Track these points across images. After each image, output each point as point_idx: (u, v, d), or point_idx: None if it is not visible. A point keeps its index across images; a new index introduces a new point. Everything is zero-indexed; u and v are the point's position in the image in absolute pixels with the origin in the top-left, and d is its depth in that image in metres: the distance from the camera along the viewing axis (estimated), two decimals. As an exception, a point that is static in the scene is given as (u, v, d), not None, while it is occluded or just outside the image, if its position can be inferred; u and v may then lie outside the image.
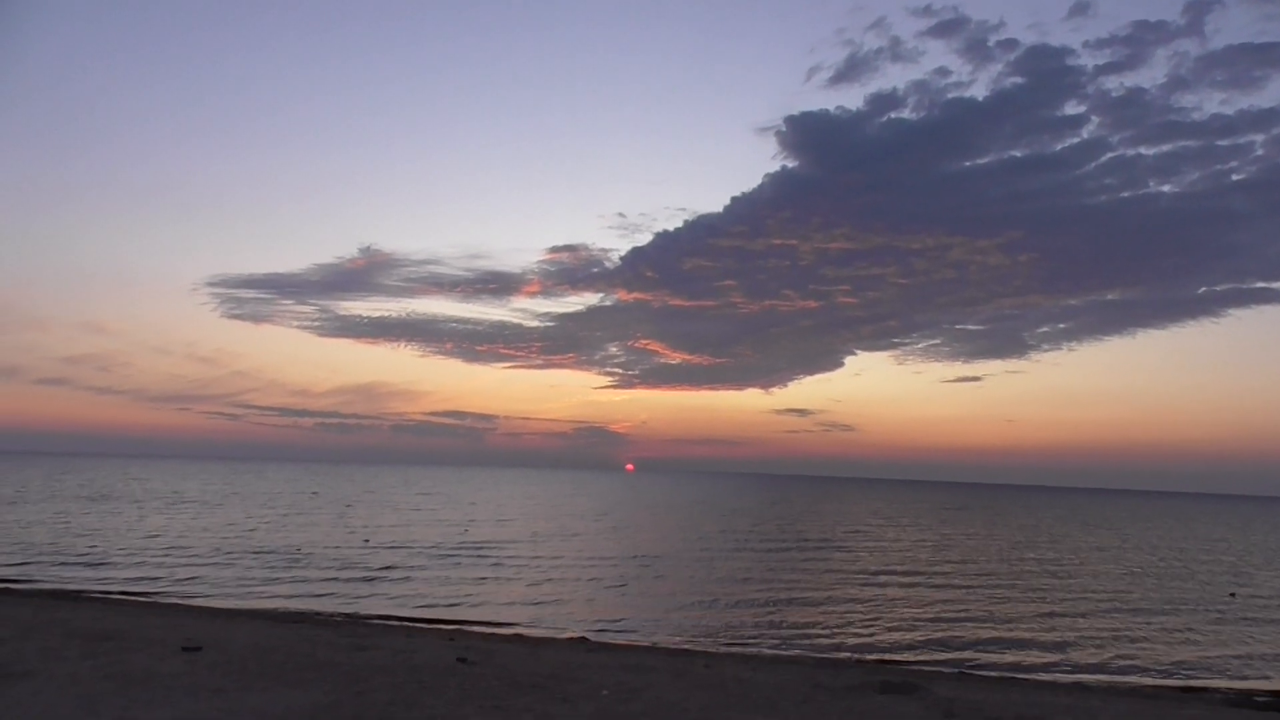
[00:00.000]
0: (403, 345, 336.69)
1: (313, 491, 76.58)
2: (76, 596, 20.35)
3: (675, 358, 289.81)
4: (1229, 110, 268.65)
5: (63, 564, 26.02)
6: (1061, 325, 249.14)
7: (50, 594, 20.42)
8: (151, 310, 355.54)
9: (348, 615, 19.36)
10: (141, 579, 23.73)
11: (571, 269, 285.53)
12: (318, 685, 10.10)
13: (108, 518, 42.67)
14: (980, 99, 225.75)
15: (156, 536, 34.53)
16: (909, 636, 19.29)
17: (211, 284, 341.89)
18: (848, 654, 17.24)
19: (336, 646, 13.11)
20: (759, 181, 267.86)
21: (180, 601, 20.49)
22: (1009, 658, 17.55)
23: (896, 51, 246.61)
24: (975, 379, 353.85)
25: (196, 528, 38.80)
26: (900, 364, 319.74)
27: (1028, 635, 20.00)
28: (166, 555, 28.81)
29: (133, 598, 20.81)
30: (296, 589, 22.76)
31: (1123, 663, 17.60)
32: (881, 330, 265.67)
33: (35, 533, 34.34)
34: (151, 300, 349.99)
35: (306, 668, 11.09)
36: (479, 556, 31.36)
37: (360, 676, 10.69)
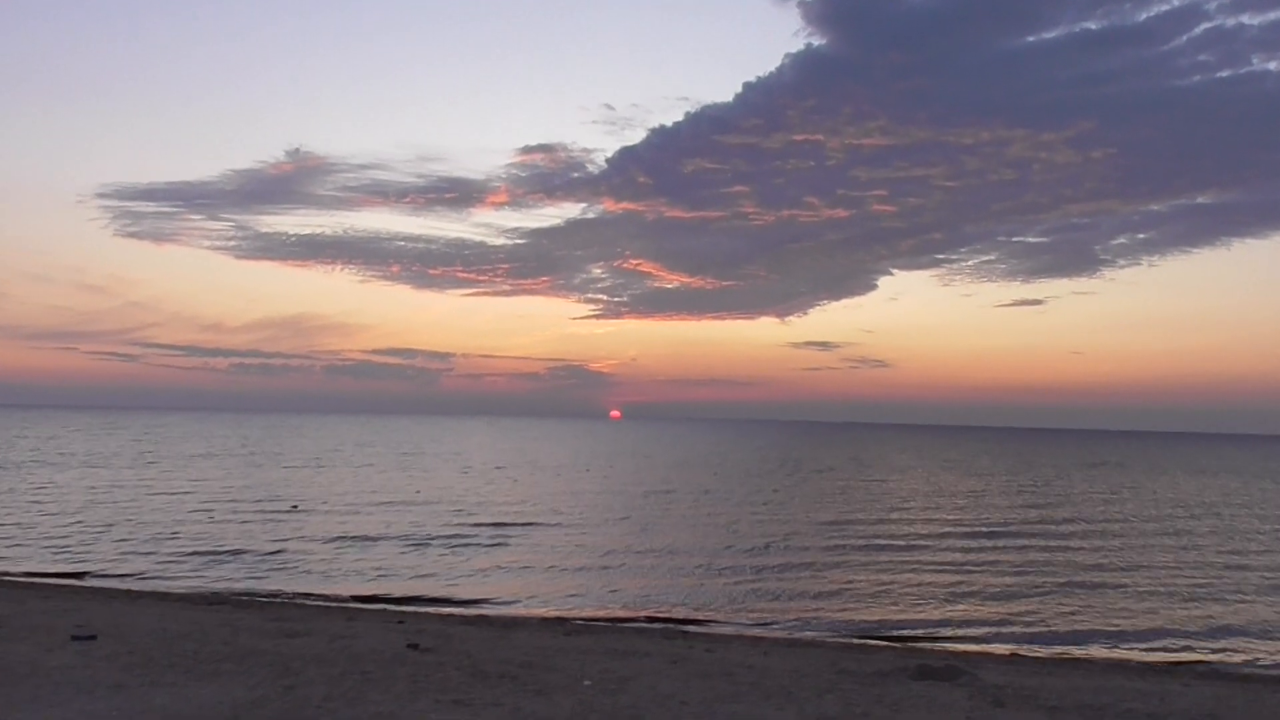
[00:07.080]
0: (338, 268, 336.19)
1: (201, 454, 76.70)
2: (-58, 577, 20.52)
3: (672, 280, 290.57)
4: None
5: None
6: (1141, 235, 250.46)
7: (-90, 574, 20.57)
8: (28, 228, 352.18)
9: (275, 595, 19.63)
10: (21, 557, 23.92)
11: (547, 174, 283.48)
12: (239, 678, 10.27)
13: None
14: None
15: (38, 504, 34.68)
16: (952, 612, 19.70)
17: (102, 195, 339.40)
18: (878, 634, 17.62)
19: (262, 632, 13.31)
20: (778, 64, 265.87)
21: (69, 583, 20.69)
22: (1071, 637, 17.93)
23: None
24: (1036, 302, 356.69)
25: (85, 493, 38.96)
26: (945, 285, 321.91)
27: (1094, 607, 20.42)
28: (50, 526, 28.99)
29: (11, 579, 20.98)
30: (211, 566, 22.99)
31: (1206, 639, 18.02)
32: (924, 244, 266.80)
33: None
34: (28, 216, 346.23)
35: (225, 658, 11.27)
36: (434, 524, 31.67)
37: (291, 668, 10.87)
